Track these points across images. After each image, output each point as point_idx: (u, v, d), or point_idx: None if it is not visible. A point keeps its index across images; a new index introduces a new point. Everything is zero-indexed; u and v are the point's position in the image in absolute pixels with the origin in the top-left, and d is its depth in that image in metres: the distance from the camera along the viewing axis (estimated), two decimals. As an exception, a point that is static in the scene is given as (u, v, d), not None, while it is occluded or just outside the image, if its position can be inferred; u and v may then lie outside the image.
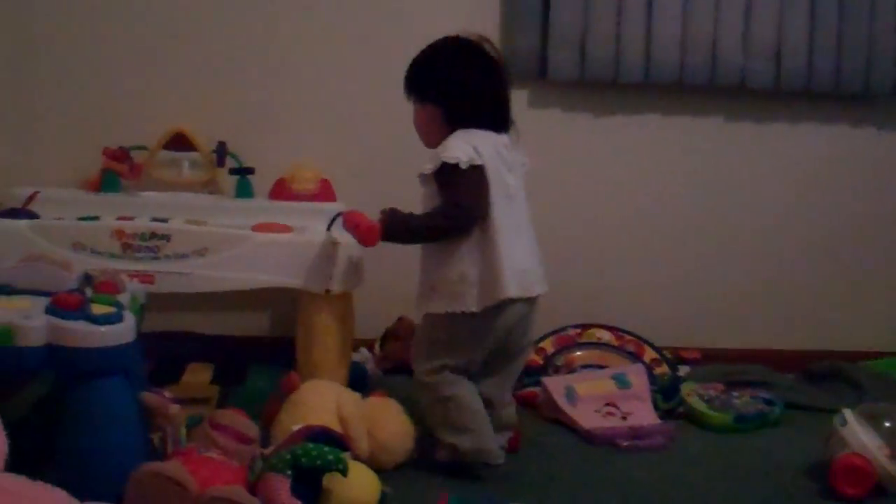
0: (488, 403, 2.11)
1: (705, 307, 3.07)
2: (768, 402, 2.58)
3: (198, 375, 2.56)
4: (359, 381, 2.43)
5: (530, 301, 2.10)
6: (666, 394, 2.59)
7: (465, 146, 2.00)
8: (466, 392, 2.08)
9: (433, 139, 2.10)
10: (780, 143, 3.03)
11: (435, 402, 2.08)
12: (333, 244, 2.20)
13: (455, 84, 2.08)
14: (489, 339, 2.07)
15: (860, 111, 3.04)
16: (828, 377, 2.84)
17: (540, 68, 2.84)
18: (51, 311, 1.69)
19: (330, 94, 2.83)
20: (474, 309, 2.01)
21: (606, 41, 2.81)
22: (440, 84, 2.09)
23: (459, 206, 2.00)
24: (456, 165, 1.97)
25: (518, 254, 2.05)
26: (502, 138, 2.10)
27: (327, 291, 2.20)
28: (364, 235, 2.07)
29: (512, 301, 2.03)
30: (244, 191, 2.71)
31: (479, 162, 1.99)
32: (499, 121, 2.11)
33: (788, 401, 2.62)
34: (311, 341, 2.26)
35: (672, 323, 2.99)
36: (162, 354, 2.39)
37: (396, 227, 2.04)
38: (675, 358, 2.86)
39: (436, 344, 2.07)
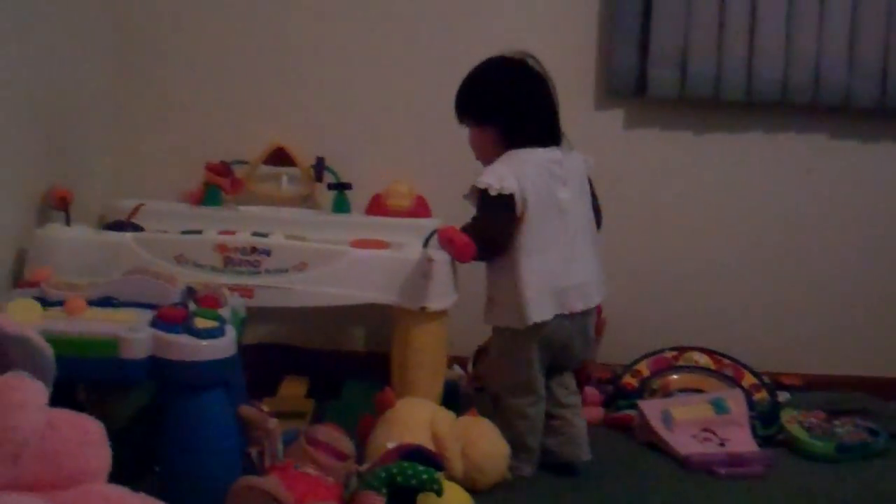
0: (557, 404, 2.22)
1: (806, 331, 2.99)
2: (872, 432, 2.50)
3: (293, 389, 2.58)
4: (452, 400, 2.42)
5: (575, 316, 2.15)
6: (765, 420, 2.53)
7: (503, 172, 2.08)
8: (536, 412, 2.17)
9: (490, 158, 2.17)
10: (886, 162, 2.94)
11: (504, 419, 2.16)
12: (429, 261, 2.20)
13: (509, 104, 2.16)
14: (537, 355, 2.15)
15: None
16: (934, 406, 2.76)
17: (638, 86, 2.80)
18: (155, 324, 1.72)
19: (426, 111, 2.82)
20: (516, 325, 2.10)
21: (708, 58, 2.76)
22: (495, 105, 2.17)
23: (475, 230, 2.09)
24: (486, 191, 2.06)
25: (557, 270, 2.12)
26: (552, 153, 2.15)
27: (423, 308, 2.20)
28: (459, 251, 2.09)
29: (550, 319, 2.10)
30: (341, 206, 2.73)
31: (508, 192, 2.06)
32: (548, 136, 2.17)
33: (893, 430, 2.54)
34: (405, 358, 2.26)
35: (772, 347, 2.92)
36: (257, 366, 2.41)
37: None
38: (775, 383, 2.78)
39: (500, 358, 2.21)
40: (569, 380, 2.28)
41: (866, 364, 3.00)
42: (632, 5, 2.76)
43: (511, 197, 2.07)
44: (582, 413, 2.29)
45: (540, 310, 2.09)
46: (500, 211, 2.08)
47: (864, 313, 3.01)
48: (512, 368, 2.17)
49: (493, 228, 2.10)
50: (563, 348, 2.18)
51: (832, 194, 2.96)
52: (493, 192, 2.05)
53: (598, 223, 2.29)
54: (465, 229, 2.09)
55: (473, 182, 2.11)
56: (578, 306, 2.15)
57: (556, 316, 2.11)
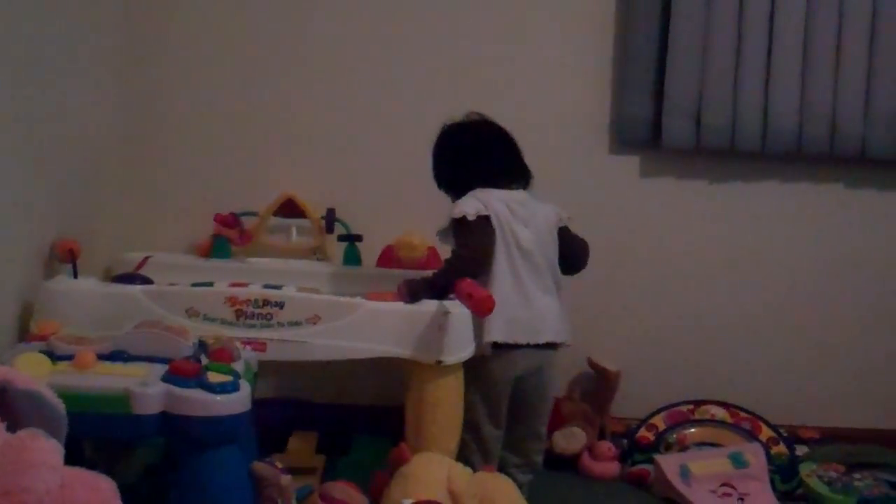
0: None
1: (823, 383, 2.96)
2: (893, 486, 2.49)
3: (303, 444, 2.54)
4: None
5: (539, 348, 2.22)
6: (784, 474, 2.51)
7: (472, 202, 2.21)
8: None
9: None
10: (904, 213, 2.93)
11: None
12: (445, 314, 2.16)
13: (449, 172, 2.36)
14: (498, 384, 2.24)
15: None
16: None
17: (653, 136, 2.80)
18: (168, 378, 1.69)
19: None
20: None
21: (723, 109, 2.76)
22: (446, 172, 2.38)
23: (460, 255, 2.20)
24: (463, 218, 2.18)
25: (517, 301, 2.20)
26: (515, 194, 2.27)
27: (439, 362, 2.17)
28: (478, 305, 2.09)
29: (512, 347, 2.19)
30: (352, 258, 2.71)
31: (485, 213, 2.19)
32: (506, 180, 2.29)
33: (913, 484, 2.51)
34: (420, 413, 2.22)
35: (788, 400, 2.89)
36: (265, 421, 2.37)
37: (418, 293, 2.20)
38: (793, 437, 2.75)
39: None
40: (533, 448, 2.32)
41: (884, 417, 2.96)
42: (646, 55, 2.77)
43: (488, 217, 2.20)
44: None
45: (497, 332, 2.18)
46: (483, 230, 2.19)
47: (882, 366, 2.97)
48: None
49: (481, 247, 2.20)
50: (519, 381, 2.24)
51: (848, 245, 2.94)
52: (471, 217, 2.18)
53: (575, 265, 2.37)
54: (449, 262, 2.22)
55: (446, 220, 2.24)
56: (540, 337, 2.22)
57: (510, 345, 2.20)
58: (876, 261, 2.94)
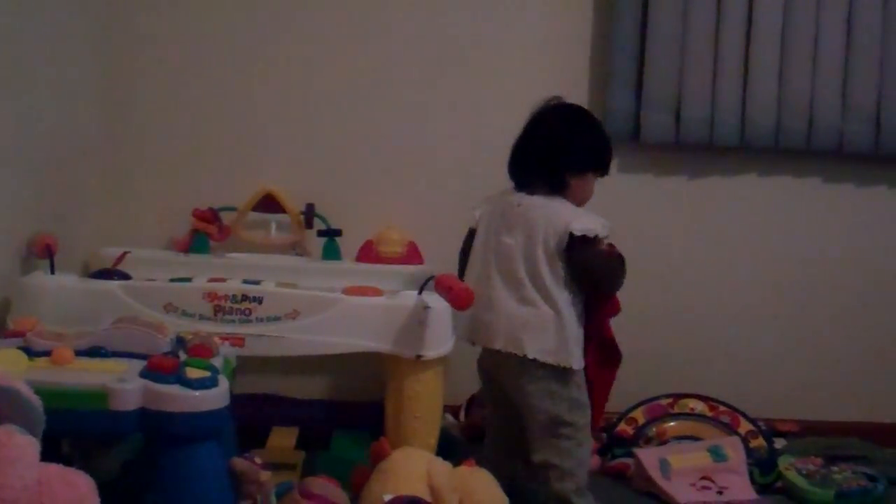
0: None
1: (802, 377, 2.97)
2: (870, 478, 2.49)
3: (282, 440, 2.53)
4: (447, 449, 2.37)
5: (497, 354, 2.14)
6: (763, 468, 2.52)
7: (473, 212, 2.26)
8: None
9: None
10: (881, 206, 2.95)
11: None
12: (425, 308, 2.16)
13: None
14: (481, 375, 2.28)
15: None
16: (931, 452, 2.76)
17: (632, 130, 2.80)
18: (145, 374, 1.68)
19: (417, 157, 2.83)
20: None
21: (702, 103, 2.77)
22: None
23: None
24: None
25: (483, 305, 2.14)
26: (516, 197, 2.16)
27: (419, 357, 2.16)
28: (457, 298, 2.09)
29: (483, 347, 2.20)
30: (331, 253, 2.70)
31: (472, 225, 2.24)
32: (516, 181, 2.20)
33: (891, 477, 2.52)
34: (400, 408, 2.22)
35: (767, 393, 2.89)
36: (245, 417, 2.36)
37: None
38: (771, 430, 2.76)
39: None
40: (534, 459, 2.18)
41: (862, 409, 2.98)
42: (626, 50, 2.77)
43: (473, 231, 2.27)
44: None
45: (461, 329, 2.22)
46: (466, 241, 2.30)
47: (860, 359, 3.00)
48: None
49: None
50: (494, 381, 2.23)
51: (827, 239, 2.96)
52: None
53: (590, 283, 2.15)
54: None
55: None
56: (493, 343, 2.14)
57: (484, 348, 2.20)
58: (854, 254, 2.96)
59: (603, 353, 2.21)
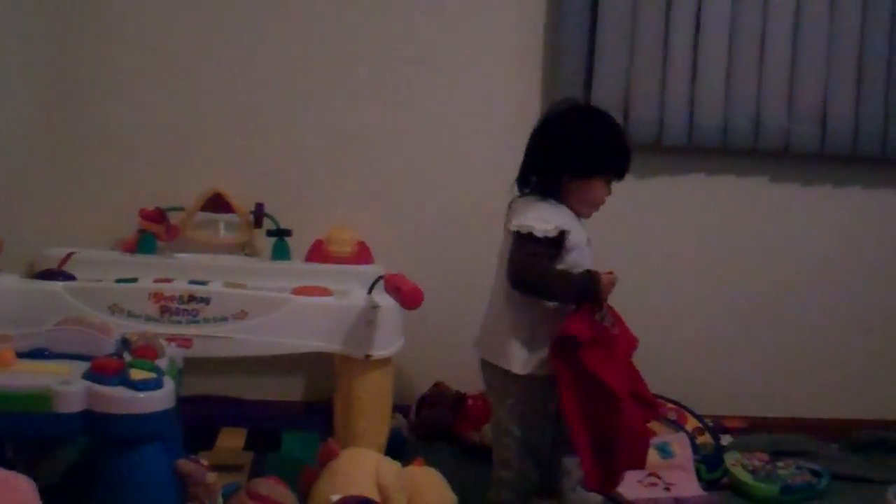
0: None
1: (747, 374, 3.01)
2: (815, 473, 2.53)
3: (231, 441, 2.52)
4: (396, 448, 2.38)
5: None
6: (710, 464, 2.54)
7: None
8: None
9: None
10: (826, 207, 2.99)
11: None
12: (374, 308, 2.16)
13: None
14: None
15: (907, 176, 3.00)
16: (873, 447, 2.82)
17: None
18: (89, 376, 1.67)
19: (367, 156, 2.81)
20: None
21: (650, 104, 2.79)
22: None
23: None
24: None
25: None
26: (514, 199, 2.07)
27: (367, 356, 2.16)
28: (406, 298, 2.07)
29: None
30: (281, 253, 2.69)
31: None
32: (517, 182, 2.09)
33: (834, 471, 2.56)
34: (349, 407, 2.22)
35: (713, 390, 2.92)
36: (194, 418, 2.35)
37: None
38: (718, 427, 2.79)
39: None
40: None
41: (807, 406, 3.02)
42: (575, 51, 2.77)
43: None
44: None
45: None
46: None
47: (805, 356, 3.03)
48: None
49: None
50: None
51: (772, 237, 2.99)
52: None
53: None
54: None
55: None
56: (479, 350, 2.06)
57: None
58: (798, 252, 3.00)
59: (588, 391, 1.95)
